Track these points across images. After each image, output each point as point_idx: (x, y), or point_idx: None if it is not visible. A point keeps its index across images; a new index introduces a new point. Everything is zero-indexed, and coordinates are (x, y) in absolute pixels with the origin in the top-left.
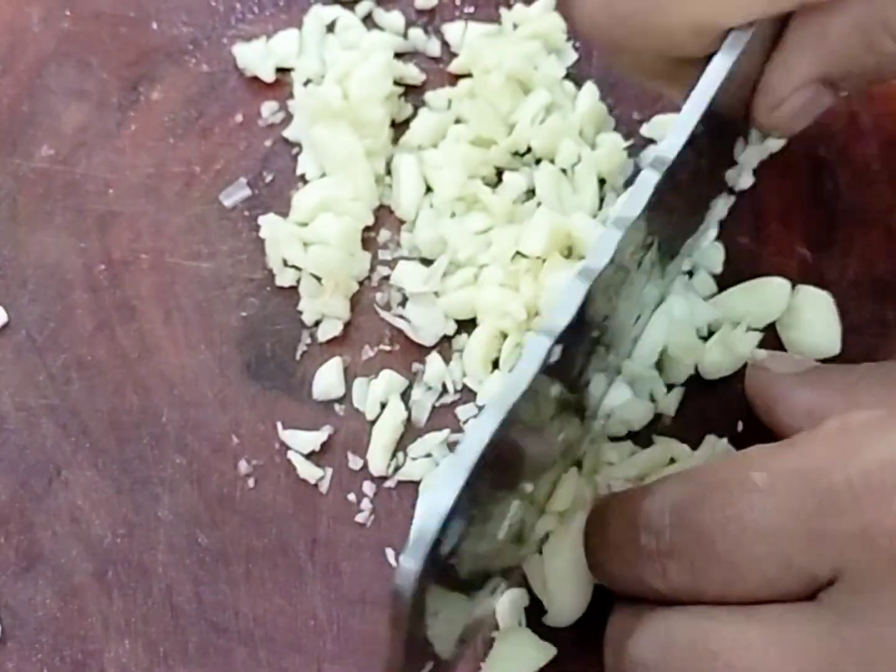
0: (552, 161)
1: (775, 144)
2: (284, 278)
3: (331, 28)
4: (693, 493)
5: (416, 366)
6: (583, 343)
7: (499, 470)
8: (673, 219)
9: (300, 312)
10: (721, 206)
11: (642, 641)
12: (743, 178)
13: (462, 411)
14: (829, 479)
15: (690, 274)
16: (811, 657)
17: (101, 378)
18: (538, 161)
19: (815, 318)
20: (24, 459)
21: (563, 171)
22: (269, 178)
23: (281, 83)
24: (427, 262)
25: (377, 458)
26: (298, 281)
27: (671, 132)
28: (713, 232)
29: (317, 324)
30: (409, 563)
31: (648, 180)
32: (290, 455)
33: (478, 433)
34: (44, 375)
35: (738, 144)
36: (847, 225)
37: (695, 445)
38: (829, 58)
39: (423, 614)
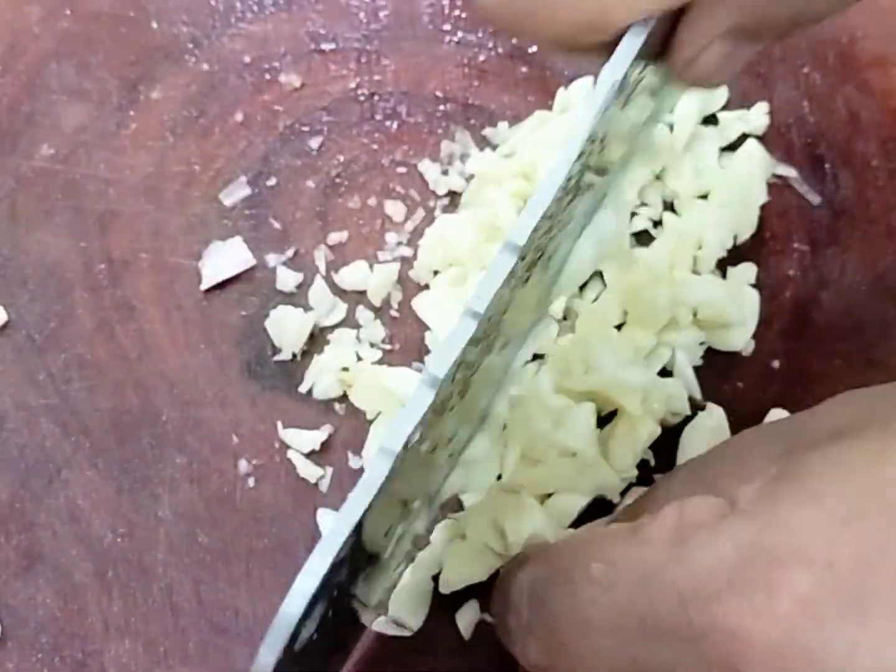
0: None
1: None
2: (285, 282)
3: None
4: (545, 575)
5: (415, 364)
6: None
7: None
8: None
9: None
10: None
11: None
12: None
13: None
14: (661, 579)
15: None
16: None
17: (101, 378)
18: None
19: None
20: (24, 459)
21: None
22: (269, 178)
23: (277, 82)
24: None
25: None
26: (299, 285)
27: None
28: None
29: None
30: (266, 657)
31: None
32: (290, 454)
33: (349, 515)
34: (44, 375)
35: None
36: (847, 224)
37: None
38: (740, 10)
39: None
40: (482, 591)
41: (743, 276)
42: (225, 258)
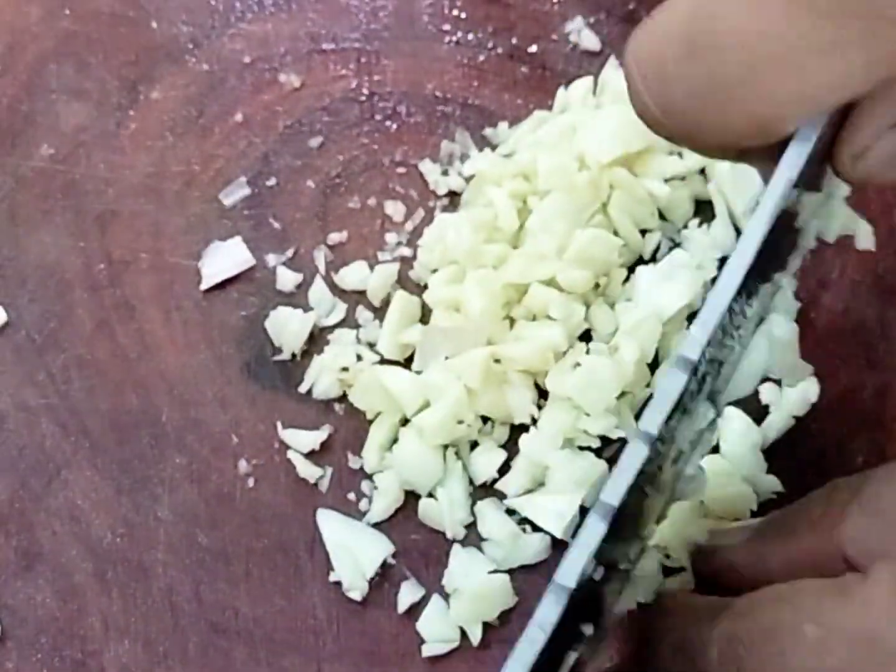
0: None
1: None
2: (285, 282)
3: None
4: (743, 631)
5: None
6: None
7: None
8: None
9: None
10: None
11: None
12: None
13: None
14: (886, 644)
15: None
16: None
17: (101, 378)
18: None
19: None
20: (23, 459)
21: None
22: (269, 178)
23: (277, 82)
24: None
25: (371, 457)
26: (299, 285)
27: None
28: None
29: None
30: None
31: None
32: (290, 454)
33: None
34: (43, 375)
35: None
36: None
37: None
38: None
39: None
40: None
41: None
42: (225, 258)
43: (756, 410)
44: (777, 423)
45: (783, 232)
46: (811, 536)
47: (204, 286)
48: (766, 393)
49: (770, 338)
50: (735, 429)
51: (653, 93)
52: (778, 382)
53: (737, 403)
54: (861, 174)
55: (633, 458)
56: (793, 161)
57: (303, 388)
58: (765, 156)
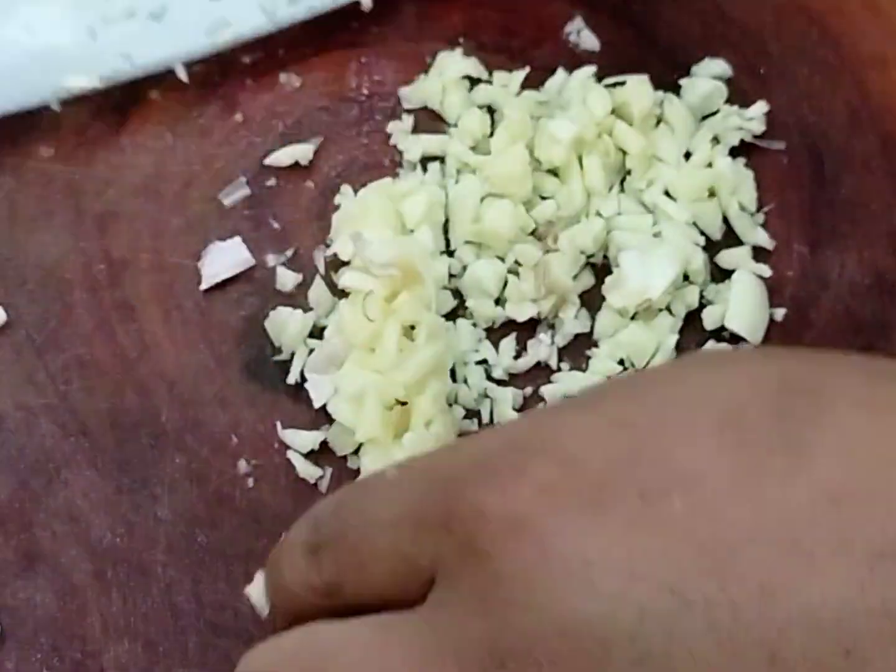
0: None
1: None
2: (285, 282)
3: None
4: (347, 488)
5: None
6: None
7: None
8: None
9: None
10: None
11: (255, 654)
12: None
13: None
14: (435, 473)
15: None
16: (413, 659)
17: (101, 378)
18: None
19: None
20: (23, 459)
21: None
22: (269, 178)
23: (277, 82)
24: None
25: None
26: (299, 285)
27: None
28: None
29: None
30: None
31: None
32: (290, 454)
33: None
34: (43, 375)
35: None
36: (847, 223)
37: None
38: None
39: None
40: None
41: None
42: (224, 258)
43: None
44: None
45: None
46: None
47: (203, 286)
48: None
49: None
50: None
51: None
52: None
53: None
54: None
55: None
56: None
57: (302, 389)
58: None
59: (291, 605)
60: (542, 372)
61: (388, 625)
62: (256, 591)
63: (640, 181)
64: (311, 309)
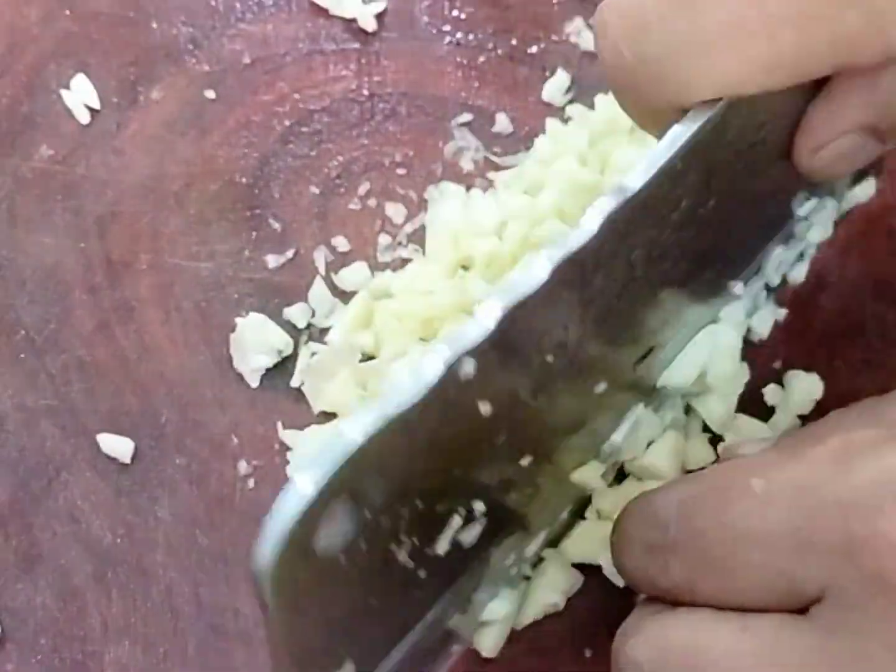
0: None
1: (861, 194)
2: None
3: None
4: (696, 492)
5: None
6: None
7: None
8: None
9: None
10: (779, 254)
11: (638, 642)
12: (813, 232)
13: None
14: (821, 492)
15: None
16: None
17: (101, 379)
18: None
19: None
20: (23, 460)
21: None
22: (269, 179)
23: (277, 82)
24: None
25: None
26: (298, 284)
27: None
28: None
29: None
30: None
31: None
32: (290, 456)
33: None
34: (43, 376)
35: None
36: (847, 225)
37: None
38: (878, 109)
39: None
40: None
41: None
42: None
43: (761, 411)
44: (782, 422)
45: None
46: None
47: (254, 385)
48: (770, 394)
49: (714, 342)
50: (743, 433)
51: (630, 41)
52: (780, 384)
53: (741, 407)
54: (817, 167)
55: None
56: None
57: (294, 383)
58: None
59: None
60: None
61: (774, 640)
62: None
63: None
64: (311, 309)
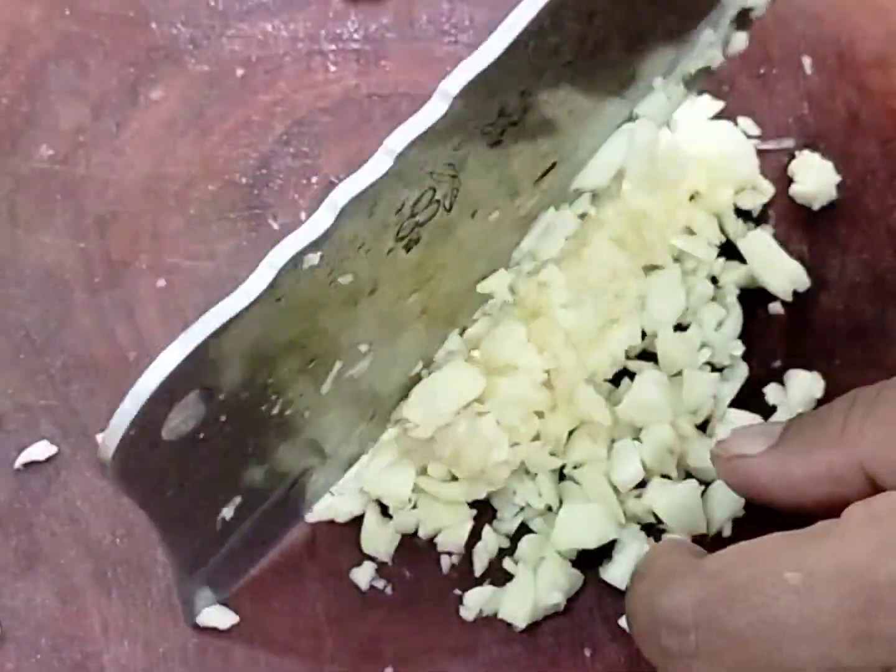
0: None
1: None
2: None
3: None
4: (719, 593)
5: None
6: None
7: None
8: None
9: None
10: (708, 37)
11: None
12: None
13: None
14: (872, 576)
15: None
16: None
17: (101, 379)
18: None
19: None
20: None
21: None
22: (269, 179)
23: (277, 83)
24: None
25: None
26: None
27: None
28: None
29: None
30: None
31: None
32: None
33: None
34: (43, 376)
35: None
36: (847, 224)
37: None
38: None
39: None
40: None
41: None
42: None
43: (762, 410)
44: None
45: None
46: (832, 451)
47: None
48: (772, 393)
49: (630, 138)
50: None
51: None
52: (780, 382)
53: (742, 405)
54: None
55: None
56: None
57: None
58: None
59: None
60: None
61: None
62: None
63: None
64: None
